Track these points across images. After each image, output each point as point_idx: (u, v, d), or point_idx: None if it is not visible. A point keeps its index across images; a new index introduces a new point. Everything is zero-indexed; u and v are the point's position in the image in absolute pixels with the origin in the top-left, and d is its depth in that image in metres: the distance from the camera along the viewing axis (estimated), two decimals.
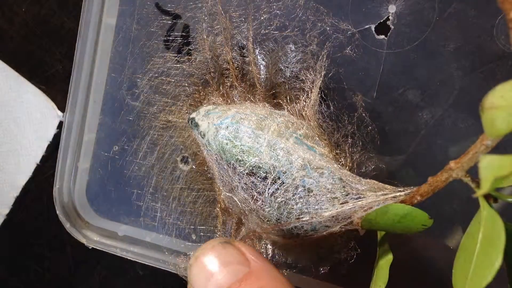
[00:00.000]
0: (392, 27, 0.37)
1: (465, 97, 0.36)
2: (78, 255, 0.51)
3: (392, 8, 0.36)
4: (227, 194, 0.37)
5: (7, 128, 0.50)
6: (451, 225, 0.37)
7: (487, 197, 0.28)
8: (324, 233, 0.34)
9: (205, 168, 0.41)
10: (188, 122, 0.38)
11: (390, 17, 0.37)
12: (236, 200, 0.35)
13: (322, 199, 0.32)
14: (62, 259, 0.51)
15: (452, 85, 0.36)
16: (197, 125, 0.37)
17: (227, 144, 0.34)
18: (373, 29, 0.37)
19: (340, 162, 0.35)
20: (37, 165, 0.51)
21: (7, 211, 0.52)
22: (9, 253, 0.53)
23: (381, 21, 0.37)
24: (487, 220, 0.26)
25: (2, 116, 0.50)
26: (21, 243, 0.52)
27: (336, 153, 0.36)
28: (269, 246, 0.38)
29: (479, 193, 0.21)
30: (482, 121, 0.22)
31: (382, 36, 0.37)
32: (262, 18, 0.37)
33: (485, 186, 0.20)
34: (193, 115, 0.37)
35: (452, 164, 0.27)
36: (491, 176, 0.20)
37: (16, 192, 0.52)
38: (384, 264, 0.33)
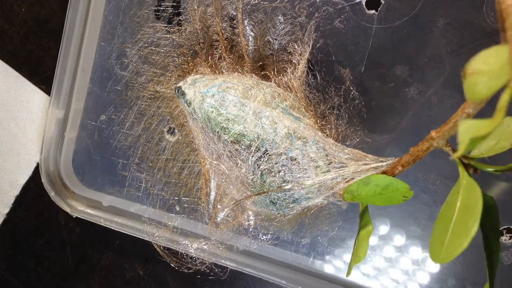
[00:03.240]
0: (382, 2, 0.37)
1: (452, 74, 0.36)
2: (78, 255, 0.51)
3: None
4: (213, 162, 0.37)
5: (7, 127, 0.50)
6: (432, 200, 0.38)
7: (466, 166, 0.28)
8: (306, 204, 0.34)
9: (191, 139, 0.41)
10: (175, 91, 0.38)
11: None
12: (223, 167, 0.35)
13: (305, 167, 0.32)
14: (62, 259, 0.51)
15: (441, 61, 0.36)
16: (183, 94, 0.36)
17: (212, 112, 0.34)
18: (363, 3, 0.37)
19: (325, 133, 0.36)
20: (37, 164, 0.51)
21: (7, 210, 0.52)
22: (9, 253, 0.53)
23: None
24: (465, 189, 0.27)
25: (2, 116, 0.50)
26: (21, 242, 0.52)
27: (322, 125, 0.36)
28: (251, 217, 0.38)
29: (456, 155, 0.21)
30: (463, 88, 0.22)
31: (373, 11, 0.37)
32: None
33: (462, 147, 0.20)
34: (180, 83, 0.37)
35: (433, 133, 0.27)
36: (468, 136, 0.20)
37: (16, 191, 0.52)
38: (365, 235, 0.33)
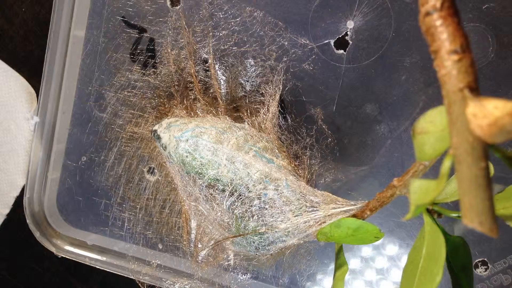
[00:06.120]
0: (350, 42, 0.37)
1: (420, 112, 0.37)
2: None
3: (350, 24, 0.37)
4: (192, 203, 0.37)
5: (7, 128, 0.50)
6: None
7: (431, 212, 0.29)
8: (282, 245, 0.35)
9: (170, 179, 0.42)
10: (151, 134, 0.38)
11: (348, 33, 0.37)
12: (202, 208, 0.36)
13: (278, 211, 0.33)
14: (62, 259, 0.51)
15: (408, 99, 0.37)
16: (159, 138, 0.37)
17: (187, 157, 0.35)
18: (332, 44, 0.38)
19: (299, 173, 0.36)
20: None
21: (7, 211, 0.52)
22: (9, 253, 0.53)
23: (340, 36, 0.37)
24: (430, 235, 0.27)
25: (2, 116, 0.50)
26: (21, 243, 0.53)
27: (295, 165, 0.36)
28: (231, 257, 0.38)
29: (406, 218, 0.21)
30: (414, 146, 0.23)
31: (341, 51, 0.38)
32: (220, 34, 0.38)
33: (410, 214, 0.21)
34: (156, 127, 0.38)
35: (395, 181, 0.28)
36: (415, 201, 0.21)
37: (16, 192, 0.52)
38: (340, 275, 0.34)
